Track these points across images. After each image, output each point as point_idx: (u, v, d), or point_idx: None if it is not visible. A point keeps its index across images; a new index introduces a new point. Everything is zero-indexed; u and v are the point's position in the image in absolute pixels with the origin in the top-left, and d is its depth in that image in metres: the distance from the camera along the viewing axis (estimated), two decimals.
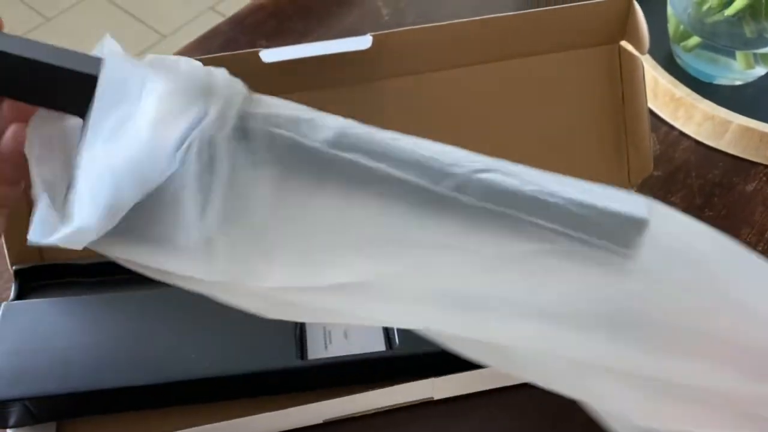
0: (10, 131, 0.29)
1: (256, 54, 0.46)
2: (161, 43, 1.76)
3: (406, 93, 0.49)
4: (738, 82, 0.63)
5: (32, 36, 1.79)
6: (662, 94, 0.61)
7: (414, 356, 0.44)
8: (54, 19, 1.84)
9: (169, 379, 0.42)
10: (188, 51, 0.67)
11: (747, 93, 0.63)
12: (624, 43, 0.50)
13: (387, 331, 0.45)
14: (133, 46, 1.76)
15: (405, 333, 0.44)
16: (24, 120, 0.29)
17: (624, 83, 0.51)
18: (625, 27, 0.50)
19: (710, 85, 0.63)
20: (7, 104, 0.30)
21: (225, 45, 0.68)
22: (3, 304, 0.44)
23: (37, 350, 0.43)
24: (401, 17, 0.70)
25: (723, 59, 0.62)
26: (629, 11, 0.49)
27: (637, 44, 0.49)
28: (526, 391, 0.45)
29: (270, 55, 0.46)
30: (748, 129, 0.57)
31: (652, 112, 0.62)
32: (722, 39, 0.60)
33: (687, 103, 0.59)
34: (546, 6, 0.49)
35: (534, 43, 0.50)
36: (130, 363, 0.43)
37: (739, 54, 0.61)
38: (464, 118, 0.51)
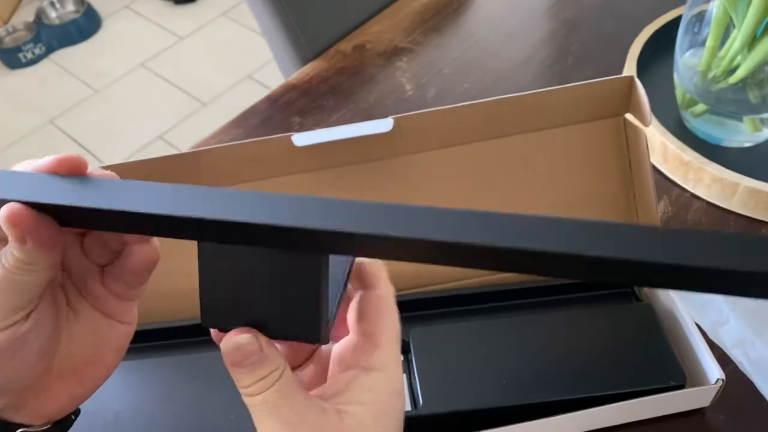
0: (141, 253, 0.31)
1: (289, 138, 0.50)
2: (202, 111, 1.86)
3: (425, 167, 0.54)
4: (747, 144, 0.66)
5: (84, 106, 1.90)
6: (672, 158, 0.64)
7: (438, 415, 0.46)
8: (102, 90, 1.96)
9: None
10: (228, 128, 0.73)
11: (756, 154, 0.65)
12: (629, 116, 0.54)
13: (412, 392, 0.48)
14: (176, 114, 1.85)
15: (429, 393, 0.47)
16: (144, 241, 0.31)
17: (630, 152, 0.54)
18: (629, 101, 0.53)
19: (719, 147, 0.66)
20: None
21: (262, 122, 0.73)
22: None
23: (92, 412, 0.47)
24: (424, 91, 0.75)
25: (731, 123, 0.65)
26: (632, 87, 0.52)
27: (641, 117, 0.52)
28: None
29: (301, 139, 0.50)
30: (756, 191, 0.59)
31: (664, 176, 0.65)
32: (728, 106, 0.63)
33: (695, 166, 0.62)
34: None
35: (546, 119, 0.54)
36: (176, 424, 0.47)
37: (745, 118, 0.64)
38: (481, 187, 0.55)
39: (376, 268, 0.33)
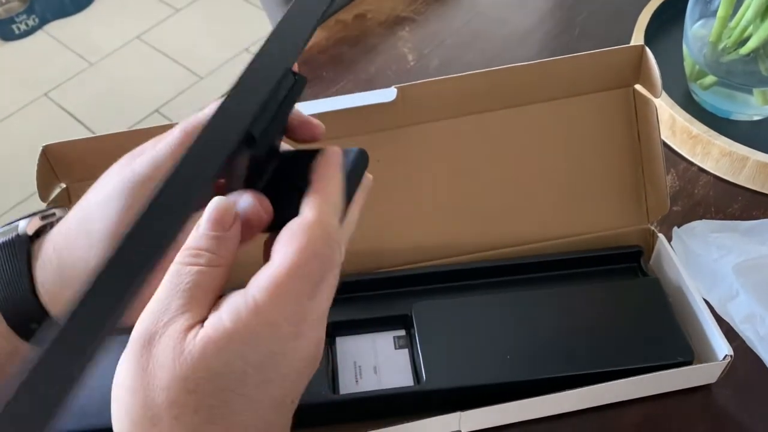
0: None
1: None
2: (199, 84, 1.83)
3: (429, 138, 0.52)
4: (756, 117, 0.65)
5: (79, 79, 1.88)
6: (680, 131, 0.62)
7: (441, 391, 0.46)
8: (97, 63, 1.93)
9: None
10: None
11: (765, 128, 0.64)
12: (638, 87, 0.53)
13: (415, 367, 0.47)
14: (172, 87, 1.82)
15: (432, 369, 0.46)
16: None
17: (639, 124, 0.53)
18: (639, 72, 0.52)
19: (728, 120, 0.64)
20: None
21: None
22: None
23: (89, 387, 0.46)
24: (426, 62, 0.73)
25: (740, 96, 0.63)
26: (642, 57, 0.51)
27: (651, 88, 0.51)
28: (548, 423, 0.47)
29: (303, 108, 0.49)
30: (766, 165, 0.58)
31: (671, 149, 0.64)
32: (738, 77, 0.62)
33: (704, 140, 0.60)
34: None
35: (553, 89, 0.52)
36: None
37: (756, 90, 0.63)
38: (485, 159, 0.53)
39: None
